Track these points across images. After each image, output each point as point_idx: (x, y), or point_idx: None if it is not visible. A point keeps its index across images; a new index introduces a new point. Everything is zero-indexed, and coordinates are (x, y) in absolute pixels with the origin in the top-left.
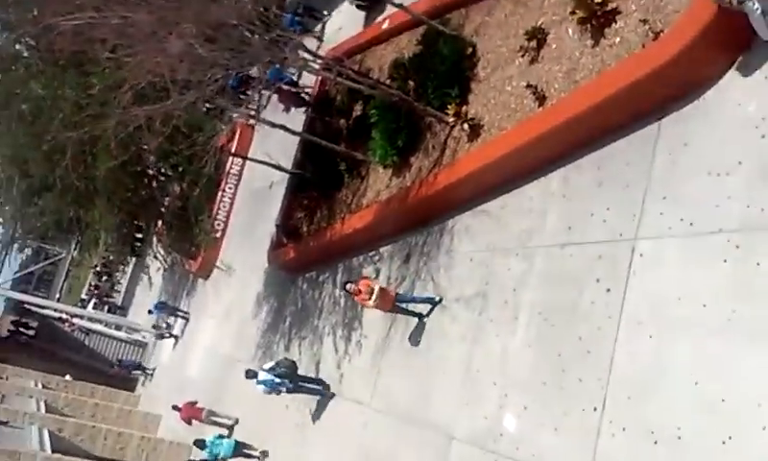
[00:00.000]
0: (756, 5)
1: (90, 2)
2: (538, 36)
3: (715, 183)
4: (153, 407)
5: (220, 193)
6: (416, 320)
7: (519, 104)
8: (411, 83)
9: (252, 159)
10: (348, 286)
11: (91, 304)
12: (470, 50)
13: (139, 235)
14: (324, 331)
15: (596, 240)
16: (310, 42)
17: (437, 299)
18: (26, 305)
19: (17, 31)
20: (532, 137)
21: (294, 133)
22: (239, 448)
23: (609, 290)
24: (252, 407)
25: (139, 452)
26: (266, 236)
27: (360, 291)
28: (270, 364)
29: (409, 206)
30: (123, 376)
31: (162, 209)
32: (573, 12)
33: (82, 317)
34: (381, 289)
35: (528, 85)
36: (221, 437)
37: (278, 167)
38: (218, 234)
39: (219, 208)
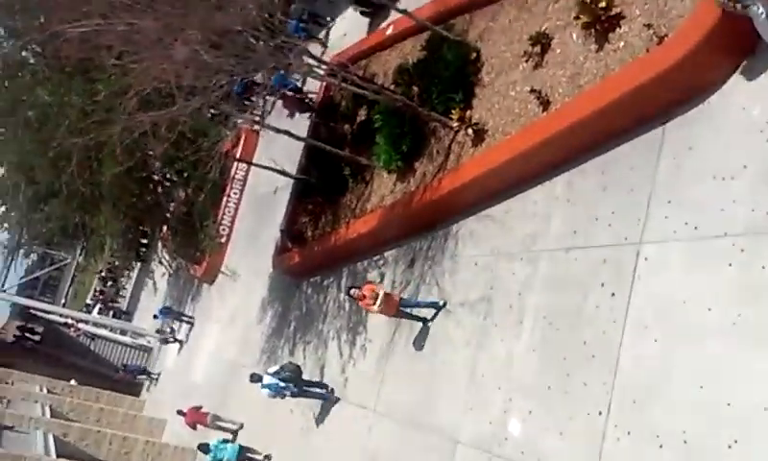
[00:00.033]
0: (761, 9)
1: (97, 9)
2: (542, 41)
3: (720, 187)
4: (158, 412)
5: (225, 198)
6: (420, 324)
7: (524, 109)
8: (415, 88)
9: (256, 165)
10: (352, 291)
11: (96, 310)
12: (475, 55)
13: (144, 241)
14: (329, 336)
15: (601, 244)
16: (315, 48)
17: (441, 303)
18: (32, 311)
19: (24, 38)
20: (536, 142)
21: (298, 138)
22: (243, 452)
23: (613, 294)
24: (256, 412)
25: (144, 457)
26: (271, 241)
27: (364, 296)
28: (274, 368)
29: (413, 211)
30: (128, 380)
31: (167, 215)
32: (577, 17)
33: (87, 322)
34: (385, 294)
35: (532, 90)
36: (225, 441)
37: (283, 172)
38: (223, 240)
39: (224, 214)
